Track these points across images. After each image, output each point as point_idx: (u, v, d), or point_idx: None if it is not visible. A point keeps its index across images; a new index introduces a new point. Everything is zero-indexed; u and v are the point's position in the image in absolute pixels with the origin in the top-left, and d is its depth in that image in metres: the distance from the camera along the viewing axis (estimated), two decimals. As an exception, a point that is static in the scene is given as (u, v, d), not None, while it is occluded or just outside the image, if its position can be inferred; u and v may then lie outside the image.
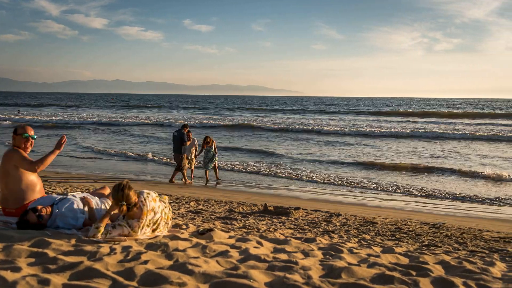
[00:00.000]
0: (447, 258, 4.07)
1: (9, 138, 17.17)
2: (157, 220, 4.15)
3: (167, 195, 7.99)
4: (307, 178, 13.92)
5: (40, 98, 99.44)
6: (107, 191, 4.78)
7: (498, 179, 13.84)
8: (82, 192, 5.44)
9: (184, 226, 4.81)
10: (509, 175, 13.96)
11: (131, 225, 3.97)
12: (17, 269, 2.90)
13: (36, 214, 3.98)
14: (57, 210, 4.14)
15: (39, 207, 4.07)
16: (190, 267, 3.13)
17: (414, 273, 3.37)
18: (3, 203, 4.42)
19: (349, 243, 4.79)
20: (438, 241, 5.83)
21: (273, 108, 73.79)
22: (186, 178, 12.72)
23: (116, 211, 3.99)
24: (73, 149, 20.47)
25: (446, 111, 61.52)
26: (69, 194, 4.50)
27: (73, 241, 3.69)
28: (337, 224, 6.82)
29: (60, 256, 3.25)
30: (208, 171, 13.10)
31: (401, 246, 5.04)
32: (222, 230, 4.83)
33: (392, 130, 31.89)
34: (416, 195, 11.72)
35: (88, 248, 3.51)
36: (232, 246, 3.96)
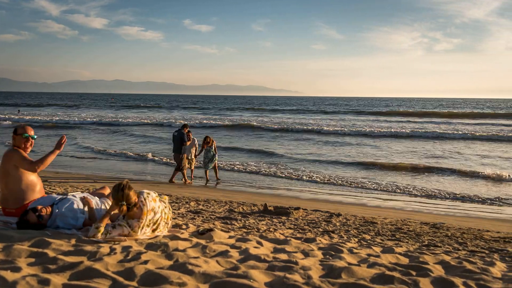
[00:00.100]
0: (447, 258, 4.07)
1: (9, 138, 17.16)
2: (157, 220, 4.15)
3: (167, 195, 7.99)
4: (307, 178, 13.92)
5: (40, 98, 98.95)
6: (107, 191, 4.78)
7: (498, 179, 13.83)
8: (82, 192, 5.44)
9: (184, 226, 4.81)
10: (509, 175, 13.96)
11: (131, 225, 3.97)
12: (17, 269, 2.90)
13: (36, 214, 3.98)
14: (57, 210, 4.14)
15: (39, 207, 4.07)
16: (190, 267, 3.13)
17: (414, 273, 3.37)
18: (3, 203, 4.42)
19: (349, 243, 4.79)
20: (438, 241, 5.83)
21: (273, 108, 73.71)
22: (186, 178, 12.72)
23: (116, 211, 3.99)
24: (73, 149, 20.48)
25: (446, 111, 61.46)
26: (69, 194, 4.50)
27: (73, 241, 3.69)
28: (337, 224, 6.82)
29: (60, 256, 3.25)
30: (208, 171, 13.10)
31: (401, 246, 5.04)
32: (222, 230, 4.83)
33: (392, 130, 31.89)
34: (416, 195, 11.72)
35: (88, 248, 3.51)
36: (232, 246, 3.96)
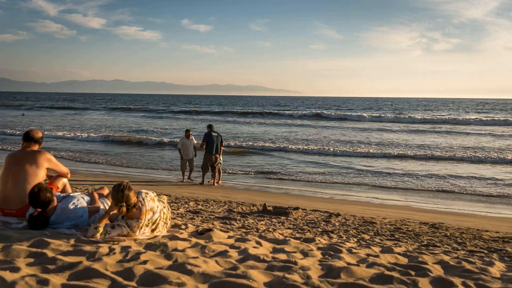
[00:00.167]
0: (446, 258, 4.08)
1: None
2: (156, 220, 4.15)
3: (166, 195, 7.99)
4: (307, 178, 13.92)
5: (44, 101, 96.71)
6: (106, 191, 4.78)
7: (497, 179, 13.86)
8: (81, 192, 5.44)
9: (183, 226, 4.81)
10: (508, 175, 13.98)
11: (130, 225, 3.97)
12: (16, 269, 2.89)
13: (47, 194, 4.00)
14: (62, 206, 4.14)
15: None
16: (189, 267, 3.13)
17: (413, 273, 3.37)
18: (3, 204, 4.40)
19: (348, 243, 4.80)
20: (437, 241, 5.84)
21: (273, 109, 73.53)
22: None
23: (115, 211, 3.98)
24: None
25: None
26: (70, 194, 4.51)
27: (72, 241, 3.68)
28: (336, 224, 6.83)
29: (59, 256, 3.25)
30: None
31: (400, 246, 5.04)
32: (221, 230, 4.83)
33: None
34: (416, 195, 11.73)
35: (87, 248, 3.50)
36: (231, 246, 3.95)
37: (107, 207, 4.37)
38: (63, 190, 4.85)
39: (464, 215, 9.24)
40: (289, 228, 6.15)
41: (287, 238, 4.57)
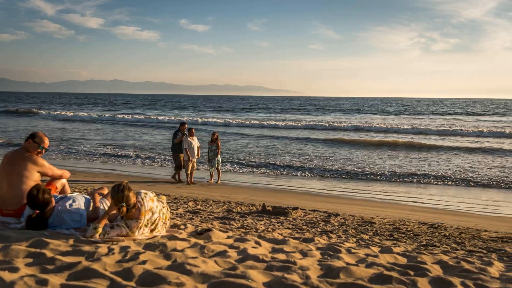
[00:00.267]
0: (445, 258, 4.08)
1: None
2: (155, 220, 4.15)
3: (165, 195, 7.98)
4: (306, 178, 13.93)
5: (44, 102, 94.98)
6: (105, 191, 4.78)
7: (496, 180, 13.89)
8: (80, 192, 5.44)
9: (182, 226, 4.81)
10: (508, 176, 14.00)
11: (130, 225, 3.97)
12: (15, 270, 2.89)
13: (46, 195, 3.99)
14: (60, 207, 4.13)
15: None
16: (188, 267, 3.13)
17: (412, 273, 3.37)
18: (1, 205, 4.39)
19: (347, 243, 4.80)
20: (436, 241, 5.84)
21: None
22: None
23: (114, 211, 3.98)
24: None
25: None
26: (68, 194, 4.51)
27: (71, 242, 3.68)
28: (335, 224, 6.83)
29: (58, 257, 3.24)
30: (212, 172, 12.83)
31: (399, 246, 5.04)
32: (220, 230, 4.83)
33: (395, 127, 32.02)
34: (415, 195, 11.75)
35: (86, 248, 3.50)
36: (231, 246, 3.95)
37: (106, 207, 4.36)
38: (62, 190, 4.85)
39: (463, 215, 9.25)
40: (288, 228, 6.15)
41: (286, 238, 4.57)
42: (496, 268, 3.75)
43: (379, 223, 7.18)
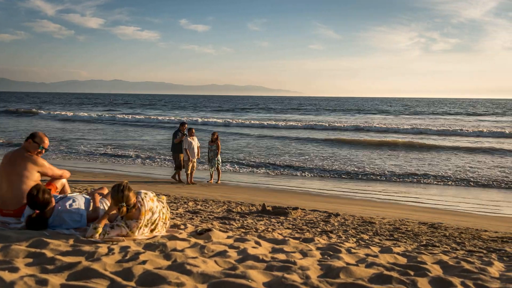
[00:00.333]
0: (445, 258, 4.08)
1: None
2: (155, 220, 4.15)
3: (165, 195, 7.98)
4: (306, 178, 13.93)
5: (48, 102, 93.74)
6: (106, 191, 4.78)
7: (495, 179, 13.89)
8: (80, 192, 5.44)
9: (182, 226, 4.81)
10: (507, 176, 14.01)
11: (129, 225, 3.97)
12: (15, 270, 2.89)
13: (46, 195, 3.98)
14: (59, 207, 4.13)
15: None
16: (188, 267, 3.13)
17: (412, 273, 3.37)
18: (1, 205, 4.39)
19: (347, 243, 4.80)
20: (436, 241, 5.84)
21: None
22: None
23: (114, 211, 3.98)
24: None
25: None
26: (68, 194, 4.50)
27: (71, 242, 3.68)
28: (335, 224, 6.82)
29: (58, 257, 3.24)
30: (212, 172, 12.82)
31: (399, 246, 5.04)
32: (220, 230, 4.83)
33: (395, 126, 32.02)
34: (415, 195, 11.75)
35: (86, 248, 3.50)
36: (231, 246, 3.95)
37: (106, 207, 4.36)
38: (62, 190, 4.85)
39: (463, 215, 9.25)
40: (288, 228, 6.14)
41: (286, 238, 4.56)
42: (496, 268, 3.75)
43: (379, 223, 7.18)
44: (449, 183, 13.63)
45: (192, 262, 3.24)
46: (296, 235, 5.29)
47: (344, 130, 33.58)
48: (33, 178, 4.41)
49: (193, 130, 12.58)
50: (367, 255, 4.02)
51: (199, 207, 7.97)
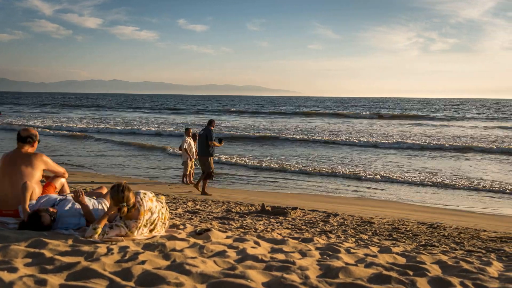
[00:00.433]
0: (444, 258, 4.08)
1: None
2: (154, 220, 4.15)
3: (164, 195, 7.98)
4: (306, 179, 13.93)
5: (44, 104, 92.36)
6: (104, 191, 4.77)
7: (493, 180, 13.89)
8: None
9: (181, 226, 4.81)
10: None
11: (129, 225, 3.97)
12: (14, 270, 2.89)
13: (51, 217, 3.95)
14: (58, 213, 4.12)
15: (50, 209, 4.05)
16: (187, 267, 3.13)
17: (411, 273, 3.37)
18: (1, 205, 4.39)
19: (346, 243, 4.80)
20: (435, 241, 5.85)
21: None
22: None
23: (113, 211, 3.97)
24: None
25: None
26: (68, 194, 4.50)
27: (70, 242, 3.68)
28: (335, 224, 6.83)
29: (57, 257, 3.24)
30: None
31: (398, 246, 5.05)
32: (219, 230, 4.83)
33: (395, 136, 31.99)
34: (414, 195, 11.75)
35: (85, 248, 3.50)
36: (230, 246, 3.95)
37: (105, 207, 4.36)
38: (61, 190, 4.84)
39: (462, 215, 9.25)
40: (287, 228, 6.15)
41: (285, 238, 4.57)
42: (495, 268, 3.75)
43: (378, 223, 7.18)
44: (449, 183, 13.62)
45: (191, 262, 3.24)
46: (295, 235, 5.29)
47: (344, 131, 33.56)
48: (37, 176, 4.42)
49: (190, 130, 12.58)
50: (366, 255, 4.02)
51: (198, 207, 7.97)
